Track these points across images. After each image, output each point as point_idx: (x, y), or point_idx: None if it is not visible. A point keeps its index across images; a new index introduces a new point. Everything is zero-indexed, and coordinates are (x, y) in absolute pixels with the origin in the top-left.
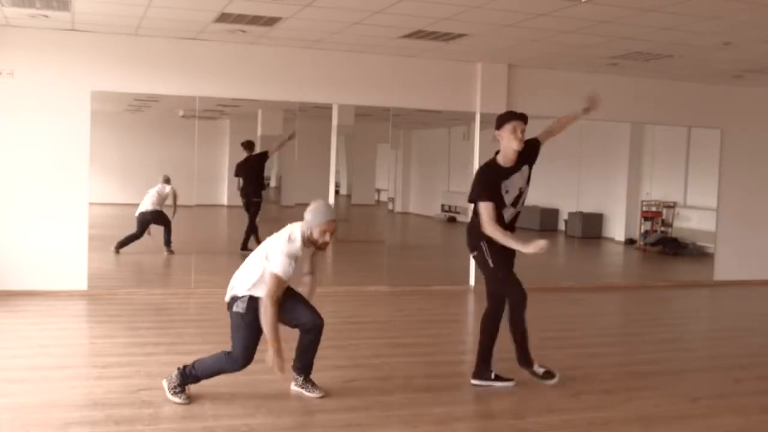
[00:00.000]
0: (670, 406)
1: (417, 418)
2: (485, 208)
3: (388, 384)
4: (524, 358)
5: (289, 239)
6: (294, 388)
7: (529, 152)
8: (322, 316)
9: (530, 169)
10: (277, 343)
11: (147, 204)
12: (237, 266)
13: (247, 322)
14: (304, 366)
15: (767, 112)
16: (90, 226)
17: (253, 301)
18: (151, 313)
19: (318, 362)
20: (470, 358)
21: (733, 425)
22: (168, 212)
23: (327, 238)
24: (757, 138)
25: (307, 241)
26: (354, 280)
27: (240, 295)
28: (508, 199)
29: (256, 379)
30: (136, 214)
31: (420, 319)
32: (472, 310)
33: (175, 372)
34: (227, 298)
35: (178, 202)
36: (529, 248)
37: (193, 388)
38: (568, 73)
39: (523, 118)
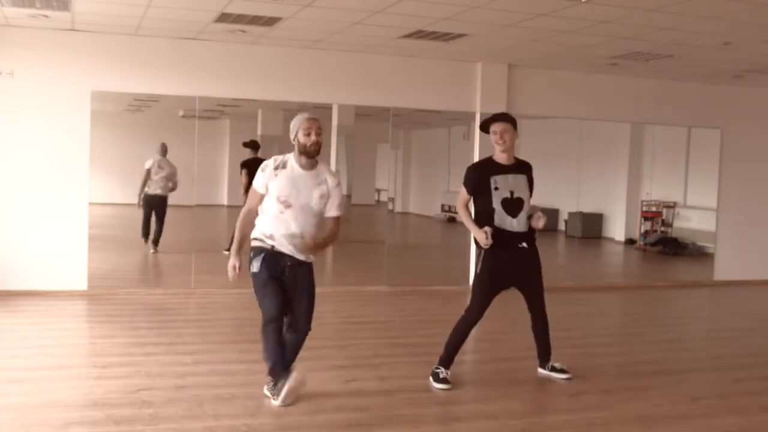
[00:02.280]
0: (670, 406)
1: (417, 418)
2: (461, 192)
3: (388, 384)
4: (449, 360)
5: (273, 157)
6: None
7: (525, 167)
8: (322, 316)
9: (529, 181)
10: (238, 248)
11: (157, 188)
12: None
13: (263, 280)
14: (288, 365)
15: (767, 112)
16: (90, 226)
17: (265, 257)
18: (151, 313)
19: (318, 362)
20: (470, 357)
21: (733, 425)
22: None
23: (313, 137)
24: (757, 138)
25: (300, 151)
26: (354, 280)
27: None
28: (498, 196)
29: (256, 379)
30: (143, 194)
31: (420, 319)
32: None
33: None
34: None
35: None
36: (478, 234)
37: (194, 389)
38: (568, 73)
39: (498, 119)
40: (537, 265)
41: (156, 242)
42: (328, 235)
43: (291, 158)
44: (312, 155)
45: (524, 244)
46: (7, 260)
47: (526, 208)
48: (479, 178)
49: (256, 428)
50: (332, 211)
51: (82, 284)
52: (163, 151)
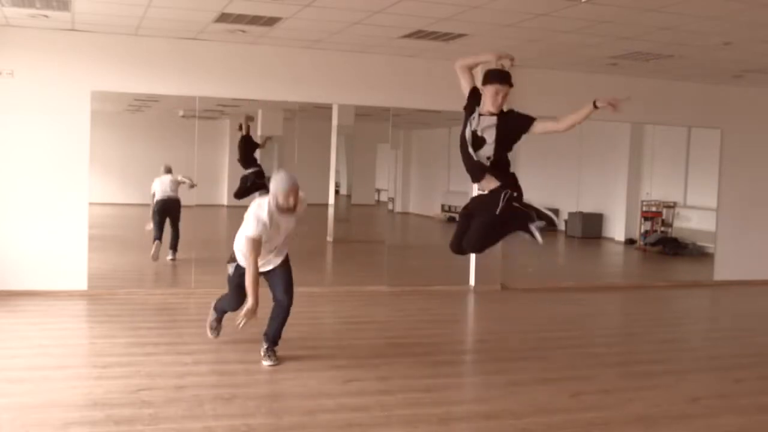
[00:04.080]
0: (670, 406)
1: (417, 418)
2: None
3: (388, 384)
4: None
5: (259, 206)
6: (264, 363)
7: (514, 121)
8: (322, 315)
9: (507, 130)
10: (254, 297)
11: (167, 190)
12: None
13: (234, 284)
14: (268, 334)
15: (767, 112)
16: (90, 226)
17: (239, 269)
18: (151, 313)
19: (318, 362)
20: (470, 357)
21: (733, 425)
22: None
23: (291, 202)
24: (757, 138)
25: (278, 208)
26: (354, 280)
27: (238, 261)
28: (469, 133)
29: (256, 379)
30: (154, 202)
31: (420, 319)
32: (472, 310)
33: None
34: (229, 259)
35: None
36: None
37: (194, 389)
38: (568, 73)
39: (506, 81)
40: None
41: (174, 248)
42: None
43: (265, 207)
44: (289, 214)
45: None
46: (7, 260)
47: (487, 146)
48: (468, 111)
49: (256, 428)
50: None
51: (82, 284)
52: (166, 171)
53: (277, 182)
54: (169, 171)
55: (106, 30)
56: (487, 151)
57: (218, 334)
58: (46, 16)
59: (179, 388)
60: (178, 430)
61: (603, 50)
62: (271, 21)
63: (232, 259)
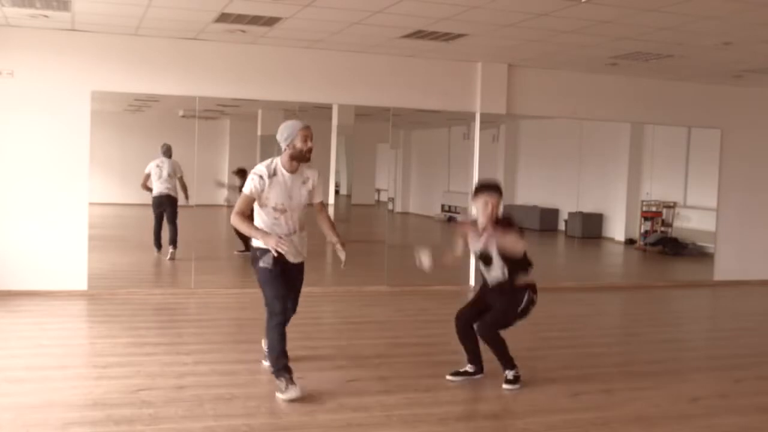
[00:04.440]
0: (670, 406)
1: (417, 418)
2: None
3: (388, 384)
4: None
5: (259, 164)
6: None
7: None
8: (322, 315)
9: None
10: (260, 231)
11: (161, 185)
12: (237, 267)
13: (274, 275)
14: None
15: (767, 112)
16: (90, 226)
17: (268, 257)
18: (151, 313)
19: (318, 362)
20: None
21: (733, 425)
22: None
23: (309, 143)
24: (757, 138)
25: (295, 156)
26: (354, 280)
27: (257, 246)
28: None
29: (256, 379)
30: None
31: (420, 319)
32: None
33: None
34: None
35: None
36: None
37: (194, 389)
38: (568, 73)
39: (479, 190)
40: (505, 305)
41: (173, 243)
42: (330, 221)
43: (278, 164)
44: (307, 160)
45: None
46: (7, 260)
47: (495, 262)
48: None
49: (256, 428)
50: (319, 197)
51: (82, 284)
52: (165, 152)
53: (288, 127)
54: (168, 153)
55: (106, 30)
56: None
57: (293, 382)
58: (46, 16)
59: (179, 388)
60: (178, 430)
61: (603, 50)
62: (271, 21)
63: (255, 254)
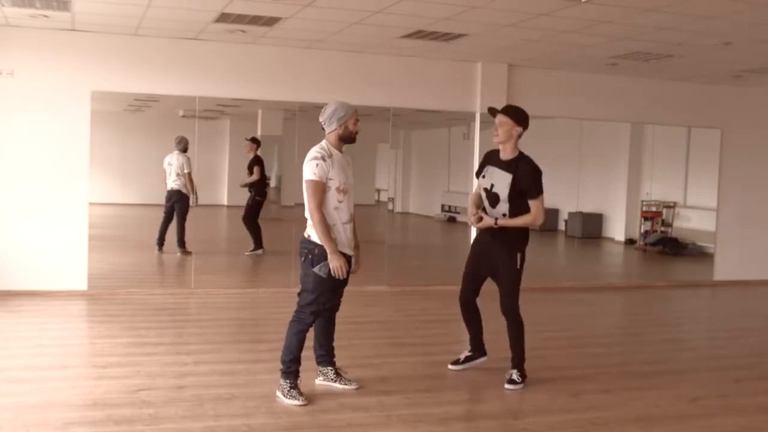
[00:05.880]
0: (670, 406)
1: (417, 418)
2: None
3: (388, 384)
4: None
5: (310, 152)
6: (322, 382)
7: (516, 165)
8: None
9: (514, 181)
10: (333, 246)
11: (171, 180)
12: (237, 266)
13: (326, 286)
14: (329, 351)
15: (767, 112)
16: (90, 226)
17: (326, 264)
18: (151, 313)
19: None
20: None
21: (733, 425)
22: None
23: (358, 126)
24: (757, 138)
25: (345, 137)
26: (354, 280)
27: (314, 247)
28: (482, 185)
29: (256, 379)
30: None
31: (420, 319)
32: None
33: (280, 379)
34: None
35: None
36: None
37: (194, 389)
38: (568, 73)
39: (496, 111)
40: (503, 260)
41: (178, 243)
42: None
43: (328, 146)
44: (354, 142)
45: (490, 237)
46: (7, 260)
47: (501, 203)
48: (481, 163)
49: (256, 428)
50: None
51: (82, 284)
52: (177, 145)
53: (344, 107)
54: (182, 148)
55: (106, 30)
56: (500, 204)
57: (300, 391)
58: (46, 16)
59: (179, 388)
60: (178, 430)
61: (603, 50)
62: (271, 21)
63: (314, 251)
